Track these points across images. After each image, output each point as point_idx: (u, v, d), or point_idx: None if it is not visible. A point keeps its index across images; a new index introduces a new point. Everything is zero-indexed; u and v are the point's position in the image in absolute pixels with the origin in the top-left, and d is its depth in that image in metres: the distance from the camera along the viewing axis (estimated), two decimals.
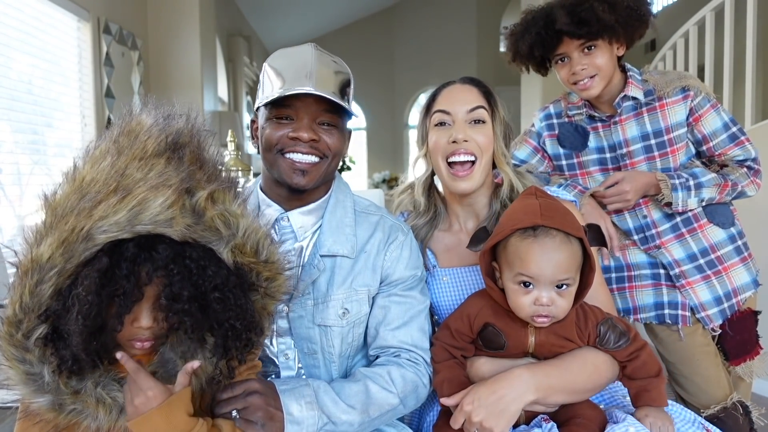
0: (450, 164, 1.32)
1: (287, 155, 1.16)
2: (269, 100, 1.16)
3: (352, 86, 1.24)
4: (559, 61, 1.62)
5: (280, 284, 0.98)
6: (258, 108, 1.22)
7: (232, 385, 0.98)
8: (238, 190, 0.98)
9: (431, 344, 1.25)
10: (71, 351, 0.85)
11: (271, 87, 1.17)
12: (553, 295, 1.08)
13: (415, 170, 1.44)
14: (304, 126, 1.15)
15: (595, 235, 1.16)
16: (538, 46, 1.60)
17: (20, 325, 0.85)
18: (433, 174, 1.42)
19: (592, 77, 1.58)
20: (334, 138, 1.18)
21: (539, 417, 1.17)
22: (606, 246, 1.21)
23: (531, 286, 1.08)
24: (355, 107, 1.27)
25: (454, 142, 1.29)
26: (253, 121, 1.26)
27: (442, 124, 1.34)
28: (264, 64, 1.22)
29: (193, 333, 0.90)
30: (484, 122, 1.32)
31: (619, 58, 1.65)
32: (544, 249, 1.07)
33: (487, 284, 1.16)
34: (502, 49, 9.10)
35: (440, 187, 1.46)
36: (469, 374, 1.21)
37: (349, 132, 1.28)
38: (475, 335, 1.20)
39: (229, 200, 0.92)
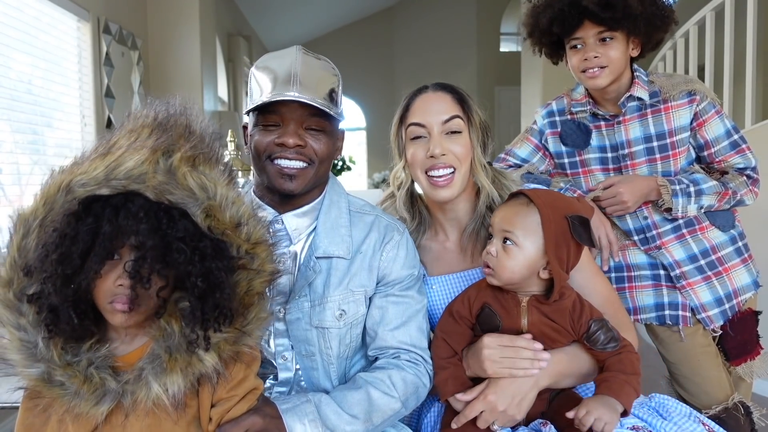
0: (429, 176, 1.31)
1: (275, 162, 1.16)
2: (254, 106, 1.16)
3: (340, 88, 1.23)
4: (574, 47, 1.61)
5: (263, 259, 0.96)
6: (248, 113, 1.22)
7: (235, 421, 0.97)
8: (230, 170, 0.99)
9: (433, 337, 1.25)
10: (50, 302, 0.87)
11: (258, 92, 1.17)
12: (498, 247, 1.17)
13: (395, 181, 1.42)
14: (290, 132, 1.15)
15: (577, 227, 1.15)
16: (558, 22, 1.57)
17: (11, 285, 0.89)
18: (412, 183, 1.40)
19: (602, 68, 1.56)
20: (321, 143, 1.18)
21: (537, 421, 1.17)
22: (593, 246, 1.25)
23: (490, 237, 1.22)
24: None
25: (431, 156, 1.28)
26: (244, 127, 1.26)
27: (418, 137, 1.32)
28: (251, 68, 1.22)
29: (147, 283, 0.88)
30: (460, 132, 1.30)
31: (632, 60, 1.64)
32: (506, 204, 1.23)
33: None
34: (503, 49, 9.14)
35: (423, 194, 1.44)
36: (468, 358, 1.21)
37: (342, 133, 1.28)
38: (474, 318, 1.22)
39: (213, 172, 0.94)
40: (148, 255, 0.86)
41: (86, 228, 0.86)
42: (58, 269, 0.86)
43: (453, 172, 1.29)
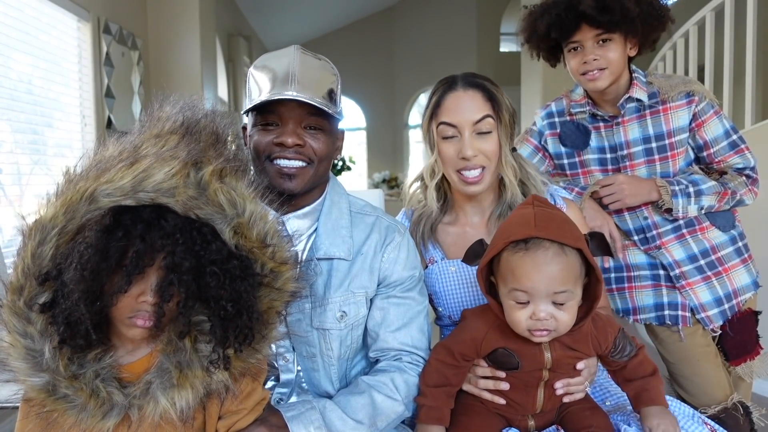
0: (461, 174, 1.34)
1: (275, 162, 1.16)
2: (252, 106, 1.16)
3: (339, 86, 1.23)
4: (572, 50, 1.61)
5: (287, 278, 0.95)
6: (247, 114, 1.21)
7: None
8: (251, 178, 0.97)
9: (430, 360, 1.22)
10: (68, 316, 0.83)
11: (257, 92, 1.16)
12: (551, 310, 1.03)
13: (428, 172, 1.45)
14: (289, 131, 1.15)
15: (598, 243, 1.09)
16: (555, 28, 1.58)
17: (22, 292, 0.86)
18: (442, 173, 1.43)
19: (601, 70, 1.57)
20: (320, 142, 1.18)
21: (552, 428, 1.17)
22: (611, 255, 1.16)
23: (527, 302, 1.04)
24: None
25: (463, 158, 1.31)
26: (244, 128, 1.25)
27: (449, 136, 1.34)
28: (249, 68, 1.22)
29: (185, 308, 0.87)
30: (490, 132, 1.32)
31: (630, 60, 1.64)
32: (536, 262, 1.02)
33: (489, 303, 1.11)
34: (503, 49, 9.12)
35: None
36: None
37: (341, 132, 1.28)
38: (481, 357, 1.16)
39: (240, 185, 0.92)
40: (183, 278, 0.84)
41: (117, 244, 0.83)
42: (86, 286, 0.82)
43: (483, 170, 1.33)
